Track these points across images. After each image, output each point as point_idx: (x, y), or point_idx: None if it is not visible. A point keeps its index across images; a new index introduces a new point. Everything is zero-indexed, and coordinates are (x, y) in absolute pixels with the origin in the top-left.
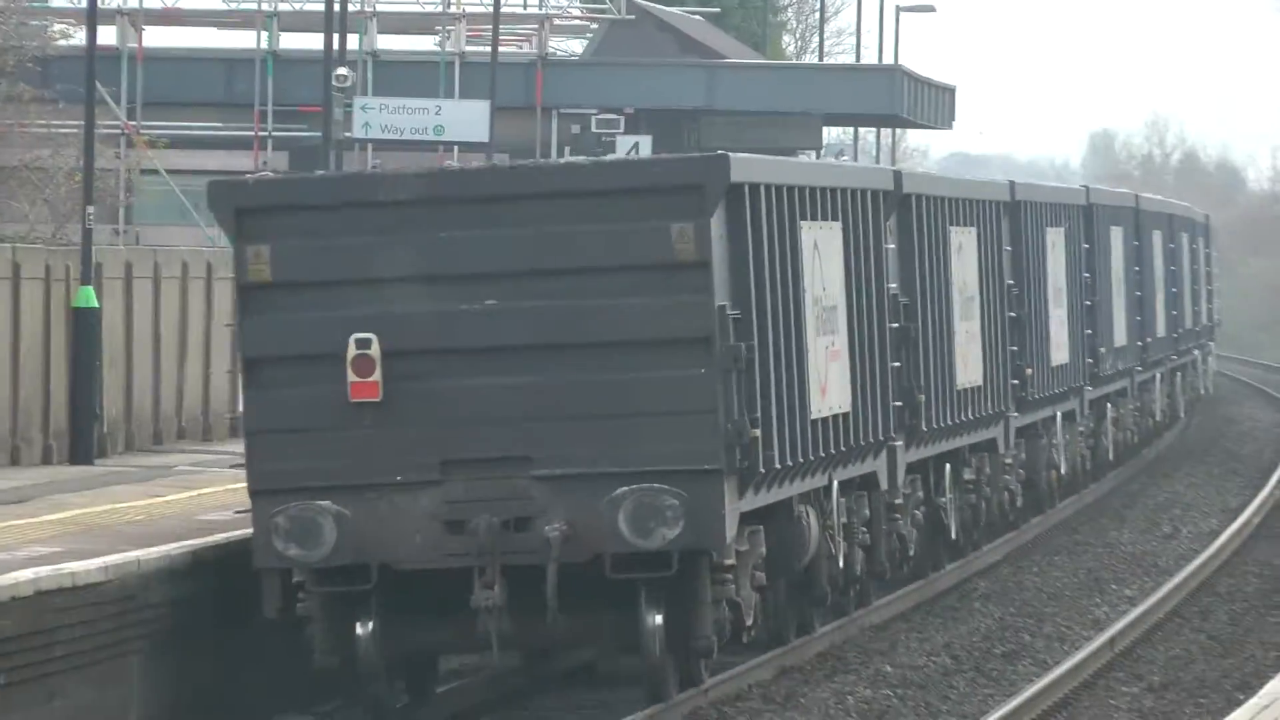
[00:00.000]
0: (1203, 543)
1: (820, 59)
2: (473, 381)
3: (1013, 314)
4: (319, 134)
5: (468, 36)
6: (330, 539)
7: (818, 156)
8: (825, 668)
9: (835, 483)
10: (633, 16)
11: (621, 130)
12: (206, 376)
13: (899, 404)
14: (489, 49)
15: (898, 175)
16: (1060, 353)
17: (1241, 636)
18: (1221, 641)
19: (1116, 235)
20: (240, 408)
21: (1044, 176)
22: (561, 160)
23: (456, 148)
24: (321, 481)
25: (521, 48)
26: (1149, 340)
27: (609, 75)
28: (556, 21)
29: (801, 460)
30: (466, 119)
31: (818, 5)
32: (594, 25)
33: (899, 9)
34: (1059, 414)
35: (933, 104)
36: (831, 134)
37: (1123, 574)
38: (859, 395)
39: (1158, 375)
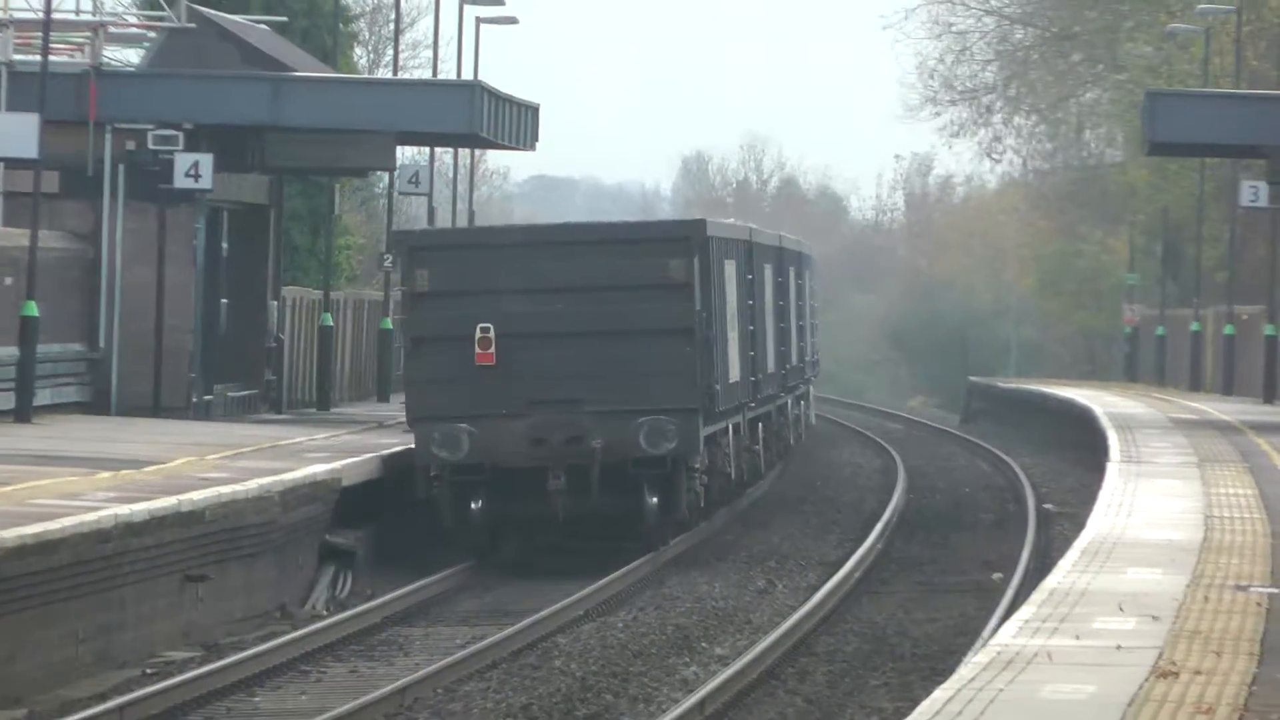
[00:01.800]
0: (799, 598)
1: (395, 73)
2: (549, 353)
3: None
4: None
5: (15, 44)
6: (465, 446)
7: (391, 178)
8: None
9: (730, 423)
10: (193, 25)
11: (180, 147)
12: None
13: (752, 379)
14: (38, 58)
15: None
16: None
17: (841, 700)
18: (819, 705)
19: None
20: (403, 369)
21: (633, 202)
22: (604, 221)
23: (3, 164)
24: (458, 413)
25: (74, 57)
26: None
27: (167, 88)
28: (111, 29)
29: (724, 408)
30: (14, 133)
31: (392, 15)
32: (152, 34)
33: (479, 20)
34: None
35: (515, 123)
36: (406, 153)
37: (714, 631)
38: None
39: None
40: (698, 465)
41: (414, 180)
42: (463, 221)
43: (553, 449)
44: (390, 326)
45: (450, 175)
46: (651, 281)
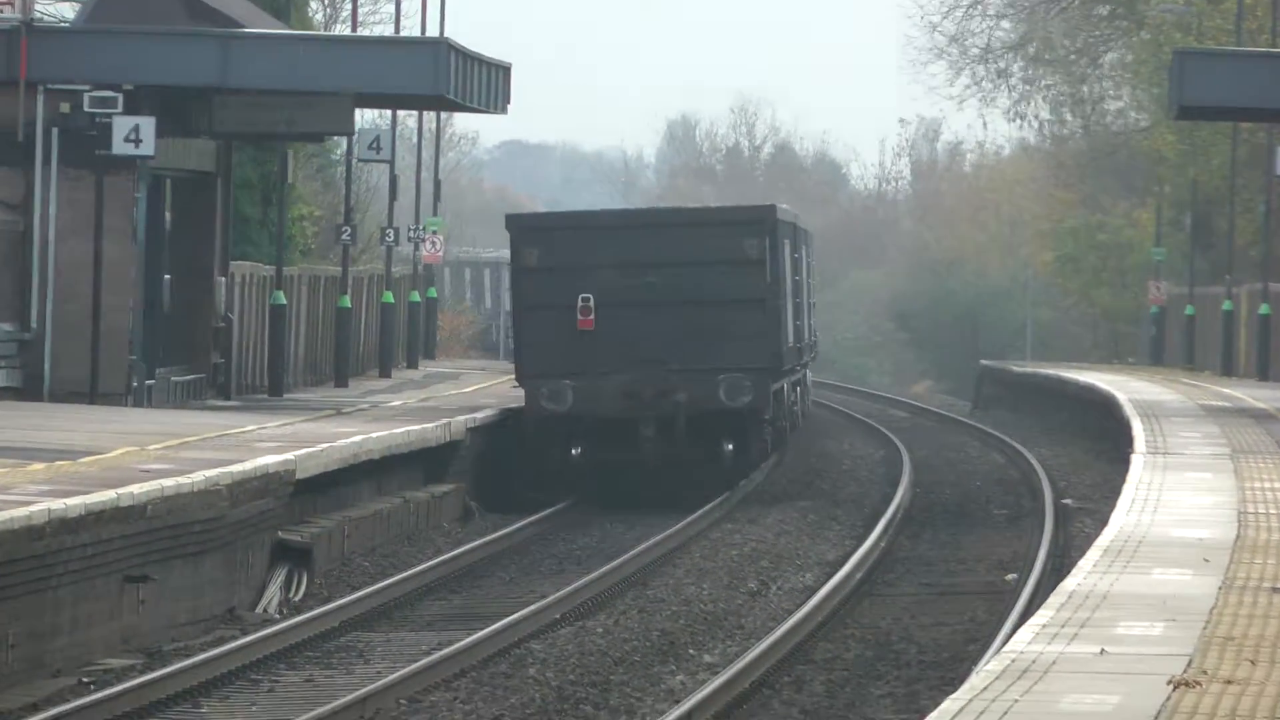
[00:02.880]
0: (795, 601)
1: (353, 29)
2: (641, 319)
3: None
4: None
5: None
6: (569, 399)
7: (350, 143)
8: None
9: (785, 382)
10: None
11: (120, 109)
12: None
13: (797, 345)
14: None
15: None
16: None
17: (841, 711)
18: (817, 717)
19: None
20: (513, 333)
21: (613, 169)
22: (689, 207)
23: None
24: (562, 370)
25: (2, 12)
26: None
27: (105, 45)
28: None
29: (788, 367)
30: None
31: None
32: None
33: None
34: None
35: (484, 84)
36: (366, 117)
37: (702, 637)
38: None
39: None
40: (767, 416)
41: (375, 146)
42: (427, 189)
43: (644, 402)
44: (348, 305)
45: (414, 140)
46: (730, 258)
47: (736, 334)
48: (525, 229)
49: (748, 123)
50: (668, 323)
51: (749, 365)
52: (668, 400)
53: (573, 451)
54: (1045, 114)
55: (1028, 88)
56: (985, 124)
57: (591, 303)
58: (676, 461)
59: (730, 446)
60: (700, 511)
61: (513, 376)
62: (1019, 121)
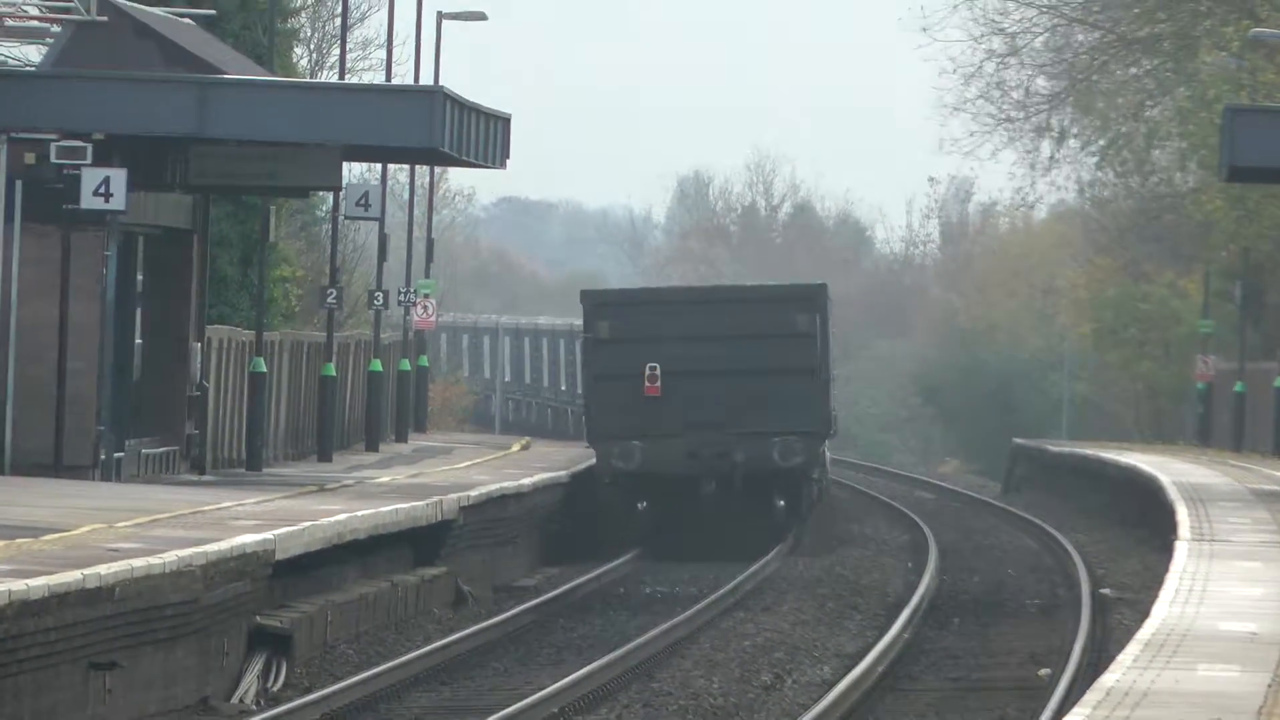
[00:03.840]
0: (812, 696)
1: (341, 77)
2: (704, 386)
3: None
4: None
5: None
6: (638, 459)
7: (336, 199)
8: None
9: (826, 444)
10: (104, 18)
11: (89, 160)
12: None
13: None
14: None
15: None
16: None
17: None
18: None
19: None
20: (584, 399)
21: (620, 228)
22: (747, 285)
23: None
24: (632, 432)
25: None
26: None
27: (74, 91)
28: (8, 22)
29: (833, 432)
30: None
31: (338, 9)
32: (56, 28)
33: (441, 15)
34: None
35: (482, 136)
36: (354, 171)
37: None
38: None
39: None
40: (815, 475)
41: (363, 202)
42: (419, 249)
43: (704, 461)
44: (333, 373)
45: (405, 197)
46: (783, 331)
47: (788, 401)
48: (598, 304)
49: (765, 180)
50: (726, 390)
51: (800, 429)
52: (726, 460)
53: (639, 505)
54: (1085, 174)
55: (1068, 144)
56: (1029, 183)
57: (658, 371)
58: (732, 514)
59: (782, 503)
60: (712, 599)
61: (510, 451)
62: (1053, 174)
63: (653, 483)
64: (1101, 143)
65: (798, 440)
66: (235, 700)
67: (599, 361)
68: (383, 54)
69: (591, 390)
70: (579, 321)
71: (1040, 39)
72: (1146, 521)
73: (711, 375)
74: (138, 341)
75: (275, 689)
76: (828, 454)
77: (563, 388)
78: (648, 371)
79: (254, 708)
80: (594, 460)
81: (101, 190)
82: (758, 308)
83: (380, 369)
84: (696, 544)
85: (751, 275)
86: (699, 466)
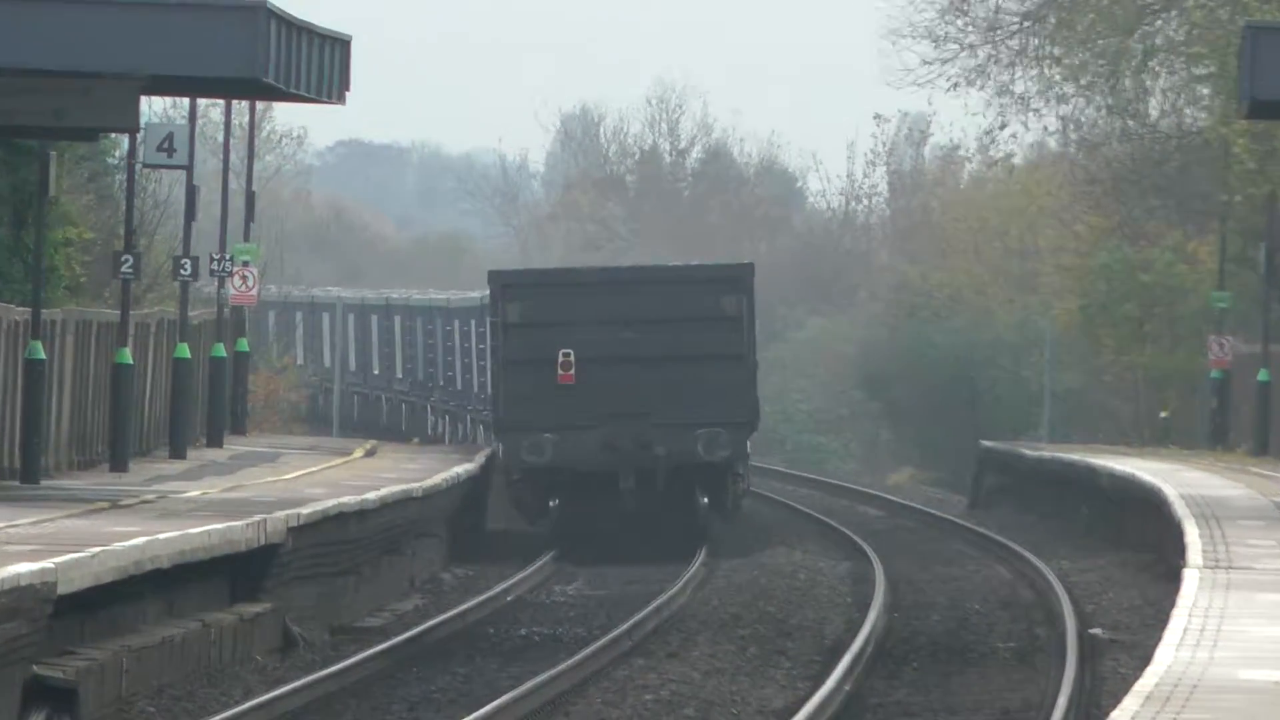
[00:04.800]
0: None
1: None
2: (621, 374)
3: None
4: None
5: None
6: (550, 452)
7: (133, 142)
8: None
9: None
10: None
11: None
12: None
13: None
14: None
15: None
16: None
17: None
18: None
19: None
20: (491, 387)
21: (489, 178)
22: (667, 265)
23: None
24: (543, 424)
25: None
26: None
27: None
28: None
29: (761, 420)
30: None
31: None
32: None
33: None
34: None
35: (316, 64)
36: (155, 108)
37: None
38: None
39: None
40: (740, 470)
41: (167, 147)
42: (238, 204)
43: (623, 455)
44: (129, 361)
45: (220, 140)
46: (708, 315)
47: (713, 389)
48: (507, 285)
49: (669, 119)
50: (646, 378)
51: (726, 420)
52: (646, 454)
53: (550, 503)
54: (1069, 110)
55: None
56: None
57: (571, 358)
58: (654, 512)
59: (705, 500)
60: (604, 640)
61: (352, 458)
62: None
63: (566, 478)
64: (1088, 73)
65: (724, 432)
66: None
67: (507, 347)
68: None
69: (499, 378)
70: (445, 295)
71: None
72: (1147, 544)
73: (630, 362)
74: None
75: None
76: (748, 451)
77: (419, 378)
78: (561, 358)
79: None
80: (472, 464)
81: None
82: (680, 289)
83: (188, 355)
84: (609, 552)
85: (652, 235)
86: (617, 460)
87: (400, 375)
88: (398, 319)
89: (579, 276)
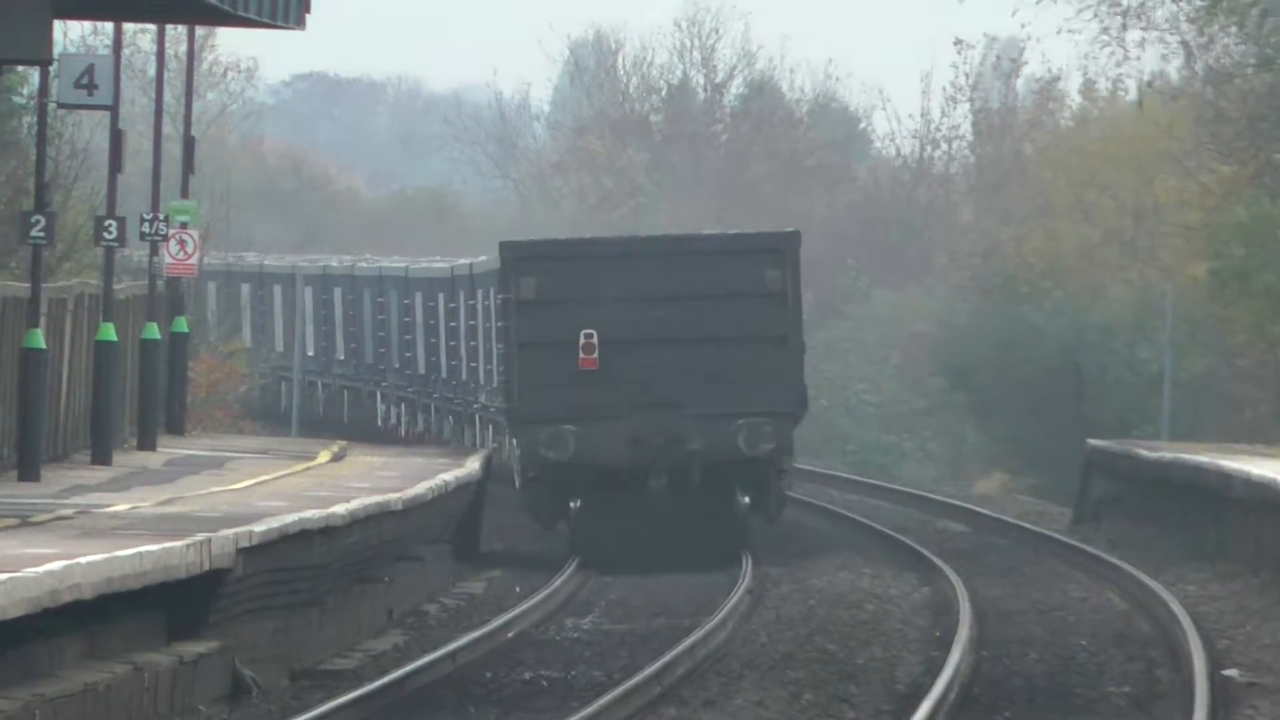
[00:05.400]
0: None
1: None
2: (651, 358)
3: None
4: None
5: None
6: (572, 447)
7: (45, 77)
8: None
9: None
10: None
11: None
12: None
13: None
14: None
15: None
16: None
17: None
18: None
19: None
20: (504, 373)
21: (482, 120)
22: (702, 233)
23: None
24: (564, 415)
25: None
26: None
27: None
28: None
29: (808, 409)
30: None
31: None
32: None
33: None
34: None
35: None
36: (71, 35)
37: None
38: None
39: None
40: (785, 466)
41: (86, 83)
42: (173, 153)
43: (653, 450)
44: (42, 345)
45: (151, 75)
46: (749, 290)
47: (755, 375)
48: (522, 257)
49: (703, 46)
50: (680, 362)
51: (769, 409)
52: (680, 448)
53: (571, 504)
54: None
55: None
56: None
57: (595, 340)
58: (688, 517)
59: (746, 500)
60: (626, 687)
61: (316, 463)
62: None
63: (588, 477)
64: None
65: (766, 422)
66: None
67: (522, 328)
68: None
69: (512, 364)
70: (431, 263)
71: None
72: None
73: (661, 344)
74: None
75: None
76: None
77: (397, 366)
78: (583, 340)
79: None
80: (463, 469)
81: None
82: (718, 261)
83: (114, 338)
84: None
85: (681, 189)
86: (646, 456)
87: (371, 361)
88: (368, 293)
89: (603, 247)
